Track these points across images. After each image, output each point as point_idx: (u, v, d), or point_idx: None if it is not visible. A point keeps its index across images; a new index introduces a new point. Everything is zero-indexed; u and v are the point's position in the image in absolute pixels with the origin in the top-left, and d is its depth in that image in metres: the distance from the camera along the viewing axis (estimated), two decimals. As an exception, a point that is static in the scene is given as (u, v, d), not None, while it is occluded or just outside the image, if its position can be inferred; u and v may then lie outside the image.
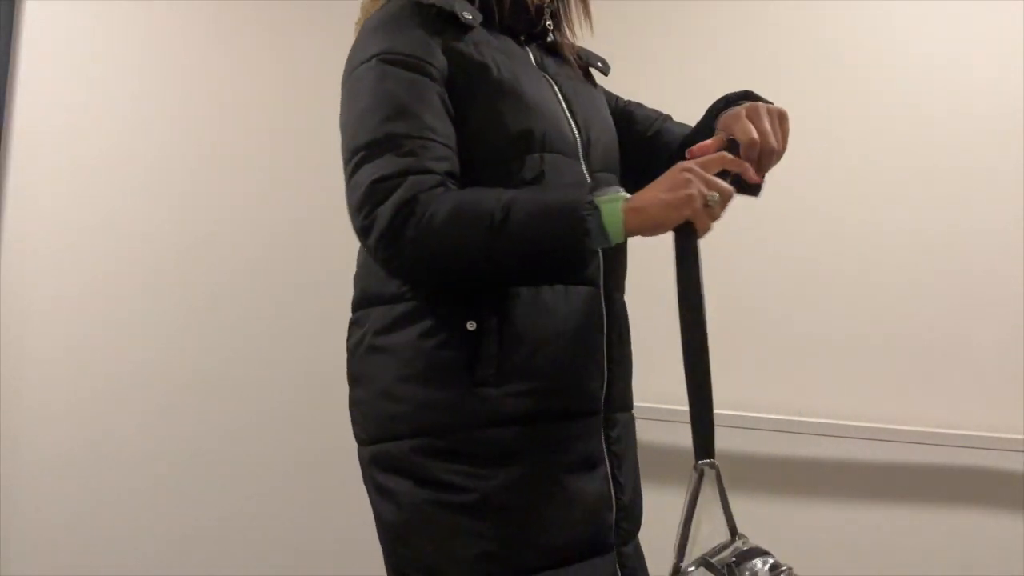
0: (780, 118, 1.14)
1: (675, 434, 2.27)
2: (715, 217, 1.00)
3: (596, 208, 1.00)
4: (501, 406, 1.08)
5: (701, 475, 1.03)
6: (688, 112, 2.40)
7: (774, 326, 2.30)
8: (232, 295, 2.35)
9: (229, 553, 2.28)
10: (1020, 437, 2.17)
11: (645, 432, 2.27)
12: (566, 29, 1.29)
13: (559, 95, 1.21)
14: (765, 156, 1.10)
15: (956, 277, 2.27)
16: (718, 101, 1.25)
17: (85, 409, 2.31)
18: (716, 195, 0.99)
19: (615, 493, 1.18)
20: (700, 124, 1.27)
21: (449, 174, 1.08)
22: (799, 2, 2.38)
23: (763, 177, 1.15)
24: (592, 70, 1.36)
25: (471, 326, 1.07)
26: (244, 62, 2.40)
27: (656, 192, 1.01)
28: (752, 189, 1.16)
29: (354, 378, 1.17)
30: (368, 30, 1.15)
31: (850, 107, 2.33)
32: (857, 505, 2.24)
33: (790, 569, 0.91)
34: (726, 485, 2.26)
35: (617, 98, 1.43)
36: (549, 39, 1.26)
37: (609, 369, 1.19)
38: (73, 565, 2.27)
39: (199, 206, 2.37)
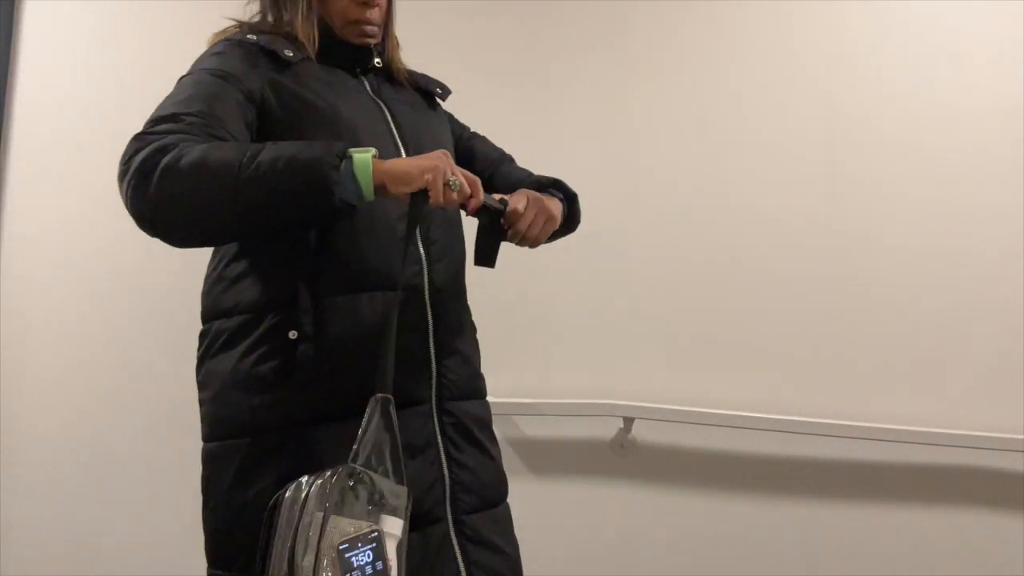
0: (547, 219, 1.29)
1: (675, 434, 2.28)
2: (449, 198, 1.12)
3: (348, 157, 1.08)
4: (318, 406, 1.18)
5: (377, 405, 1.10)
6: (683, 110, 2.40)
7: (773, 327, 2.29)
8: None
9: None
10: (1020, 437, 2.17)
11: (646, 432, 2.28)
12: (396, 55, 1.43)
13: (389, 118, 1.34)
14: (514, 232, 1.26)
15: (956, 277, 2.27)
16: (536, 180, 1.46)
17: (85, 410, 2.31)
18: (457, 180, 1.13)
19: (449, 471, 1.27)
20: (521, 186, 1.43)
21: None
22: (797, 4, 2.38)
23: (517, 242, 1.30)
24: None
25: (292, 335, 1.17)
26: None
27: (410, 158, 1.14)
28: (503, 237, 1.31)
29: (199, 385, 1.28)
30: (203, 54, 1.29)
31: (848, 109, 2.33)
32: (857, 505, 2.24)
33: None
34: (726, 484, 2.28)
35: (464, 129, 1.56)
36: (378, 65, 1.39)
37: (440, 363, 1.28)
38: (73, 565, 2.27)
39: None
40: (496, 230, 1.27)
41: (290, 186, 1.06)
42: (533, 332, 2.26)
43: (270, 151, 1.07)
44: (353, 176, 1.08)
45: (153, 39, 2.41)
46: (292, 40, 1.30)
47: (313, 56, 1.31)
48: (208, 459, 1.24)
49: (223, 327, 1.23)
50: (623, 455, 2.27)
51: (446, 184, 1.11)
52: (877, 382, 2.26)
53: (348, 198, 1.09)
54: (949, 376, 2.25)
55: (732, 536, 2.25)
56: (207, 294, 1.29)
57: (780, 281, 2.31)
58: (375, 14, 1.34)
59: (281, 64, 1.26)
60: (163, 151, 1.09)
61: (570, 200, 1.46)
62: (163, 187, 1.07)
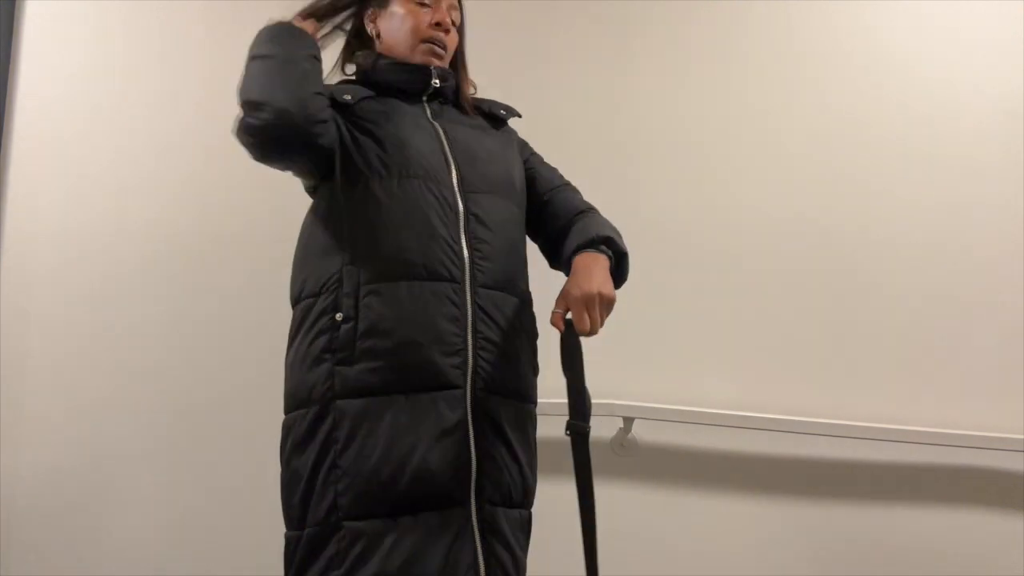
0: (606, 306, 1.42)
1: (675, 434, 2.28)
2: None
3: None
4: (356, 381, 1.32)
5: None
6: (682, 111, 2.40)
7: (774, 327, 2.30)
8: (233, 296, 2.35)
9: (230, 553, 2.28)
10: (1020, 437, 2.17)
11: (646, 432, 2.28)
12: (465, 87, 1.61)
13: (442, 136, 1.48)
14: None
15: (956, 277, 2.27)
16: (590, 238, 1.50)
17: (85, 410, 2.31)
18: None
19: (477, 458, 1.35)
20: (568, 242, 1.52)
21: None
22: (794, 4, 2.38)
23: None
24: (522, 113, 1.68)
25: (339, 317, 1.34)
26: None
27: None
28: None
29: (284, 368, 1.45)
30: None
31: (847, 108, 2.33)
32: (857, 505, 2.24)
33: None
34: (726, 484, 2.28)
35: (532, 152, 1.68)
36: (435, 92, 1.55)
37: (476, 353, 1.38)
38: (73, 565, 2.27)
39: (199, 207, 2.37)
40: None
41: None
42: (533, 332, 2.26)
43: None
44: None
45: (153, 39, 2.41)
46: (354, 82, 1.53)
47: (378, 87, 1.50)
48: (282, 430, 1.41)
49: (296, 313, 1.42)
50: (623, 455, 2.27)
51: None
52: (877, 382, 2.26)
53: None
54: (949, 376, 2.25)
55: (732, 536, 2.25)
56: (290, 285, 1.47)
57: (780, 281, 2.31)
58: (445, 39, 1.53)
59: (341, 106, 1.44)
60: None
61: (619, 257, 1.52)
62: (245, 119, 1.35)
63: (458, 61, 1.60)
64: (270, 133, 1.34)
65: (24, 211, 2.35)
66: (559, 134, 2.36)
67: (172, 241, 2.37)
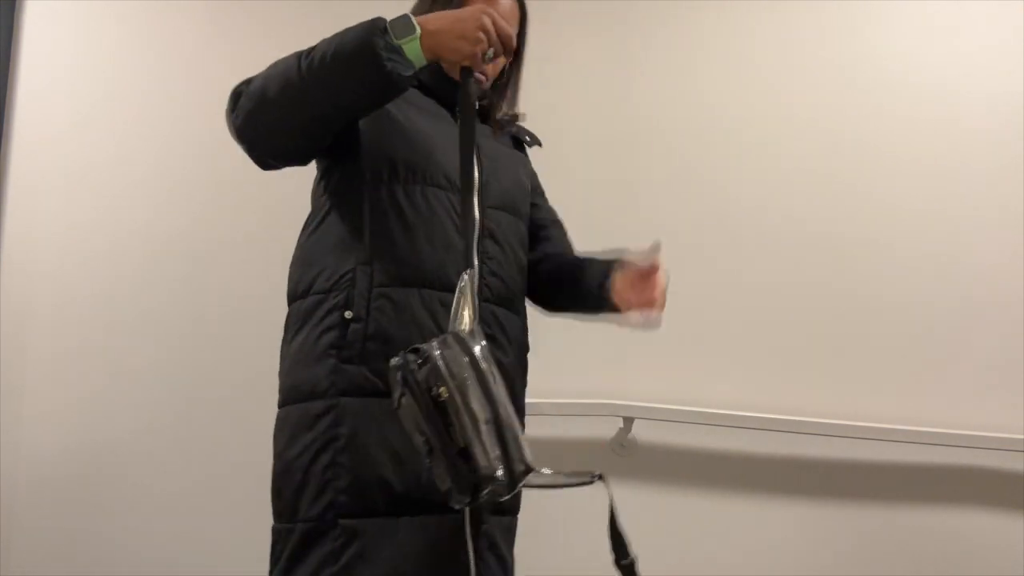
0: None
1: (675, 434, 2.28)
2: (484, 65, 1.31)
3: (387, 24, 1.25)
4: (361, 381, 1.32)
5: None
6: (683, 111, 2.40)
7: (774, 326, 2.30)
8: (233, 294, 2.35)
9: (230, 552, 2.28)
10: (1020, 437, 2.17)
11: (646, 432, 2.28)
12: (497, 109, 1.60)
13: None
14: (658, 290, 1.46)
15: (956, 278, 2.27)
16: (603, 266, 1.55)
17: (85, 409, 2.31)
18: (492, 53, 1.25)
19: None
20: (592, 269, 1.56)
21: None
22: (797, 5, 2.39)
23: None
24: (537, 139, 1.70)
25: (348, 315, 1.34)
26: (247, 62, 2.39)
27: (452, 32, 1.26)
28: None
29: (280, 359, 1.44)
30: None
31: (848, 109, 2.33)
32: (857, 505, 2.24)
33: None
34: (726, 484, 2.27)
35: (538, 184, 1.69)
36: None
37: None
38: (73, 565, 2.27)
39: (198, 206, 2.37)
40: None
41: (344, 51, 1.24)
42: (532, 332, 2.26)
43: (320, 43, 1.27)
44: (401, 33, 1.25)
45: (153, 40, 2.41)
46: None
47: (421, 87, 1.46)
48: (276, 423, 1.40)
49: (300, 307, 1.40)
50: (623, 455, 2.28)
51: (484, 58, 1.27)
52: (877, 382, 2.26)
53: (400, 49, 1.24)
54: (949, 376, 2.24)
55: (731, 536, 2.25)
56: (289, 279, 1.45)
57: (780, 281, 2.31)
58: (488, 69, 1.48)
59: None
60: (244, 84, 1.36)
61: None
62: (252, 107, 1.32)
63: (509, 82, 1.59)
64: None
65: (24, 211, 2.35)
66: (561, 135, 2.36)
67: (171, 239, 2.37)
